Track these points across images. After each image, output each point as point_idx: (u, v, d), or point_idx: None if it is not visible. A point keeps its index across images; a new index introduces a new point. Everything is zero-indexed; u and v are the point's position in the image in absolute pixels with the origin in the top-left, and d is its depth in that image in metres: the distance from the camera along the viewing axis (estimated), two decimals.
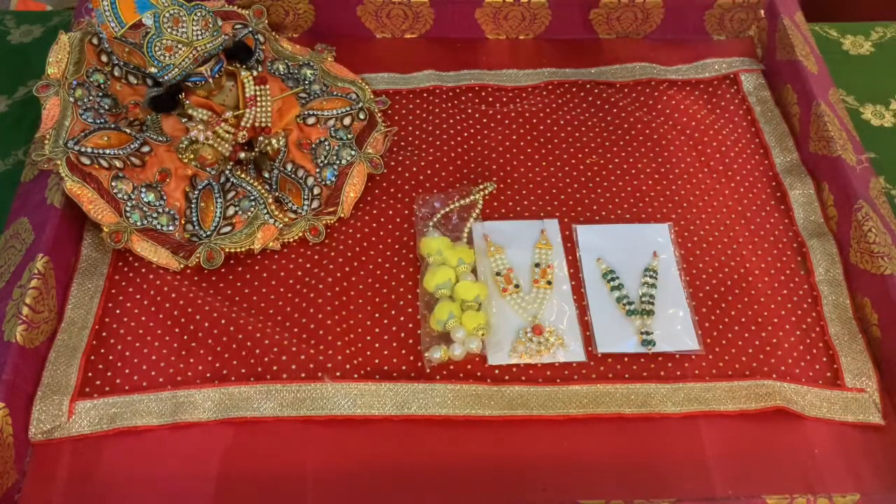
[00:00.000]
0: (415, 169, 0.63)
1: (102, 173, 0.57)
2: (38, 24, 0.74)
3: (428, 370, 0.53)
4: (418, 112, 0.67)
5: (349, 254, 0.59)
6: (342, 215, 0.60)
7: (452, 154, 0.64)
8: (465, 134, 0.65)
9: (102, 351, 0.53)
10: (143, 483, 0.48)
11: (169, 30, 0.57)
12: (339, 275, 0.57)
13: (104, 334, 0.54)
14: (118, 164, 0.57)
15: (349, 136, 0.62)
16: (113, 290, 0.56)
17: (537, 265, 0.58)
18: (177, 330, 0.54)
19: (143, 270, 0.57)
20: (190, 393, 0.51)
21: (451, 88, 0.68)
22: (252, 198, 0.58)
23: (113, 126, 0.58)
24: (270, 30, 0.67)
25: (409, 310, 0.56)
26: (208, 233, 0.57)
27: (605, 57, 0.72)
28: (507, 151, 0.64)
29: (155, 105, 0.58)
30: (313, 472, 0.49)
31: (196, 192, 0.58)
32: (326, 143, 0.62)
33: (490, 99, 0.68)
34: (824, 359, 0.54)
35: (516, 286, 0.57)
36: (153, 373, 0.52)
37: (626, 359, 0.54)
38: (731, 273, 0.58)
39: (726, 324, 0.56)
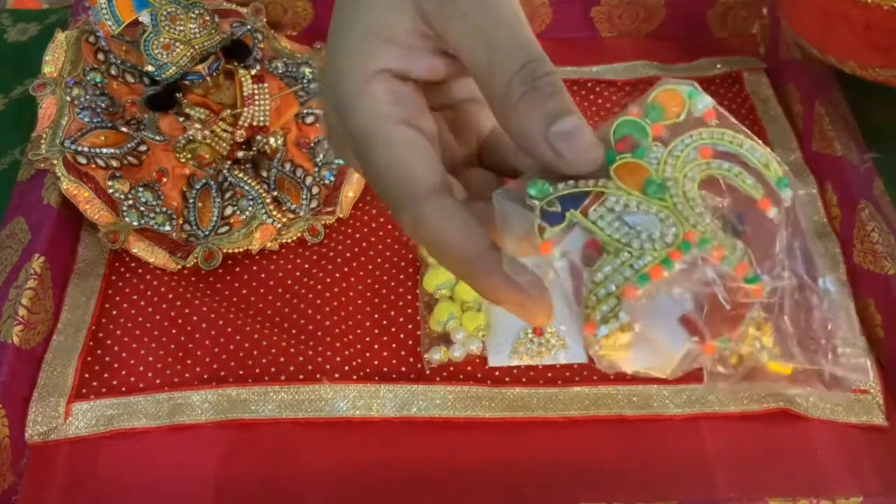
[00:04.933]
0: None
1: (99, 173, 0.56)
2: (34, 22, 0.73)
3: (427, 371, 0.53)
4: None
5: (348, 254, 0.58)
6: (341, 215, 0.59)
7: None
8: None
9: (99, 352, 0.53)
10: (140, 485, 0.48)
11: (166, 28, 0.56)
12: (337, 275, 0.57)
13: (101, 335, 0.54)
14: (115, 163, 0.57)
15: None
16: (110, 291, 0.56)
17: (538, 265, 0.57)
18: (174, 331, 0.54)
19: (140, 271, 0.56)
20: (187, 395, 0.51)
21: None
22: (250, 197, 0.58)
23: (110, 125, 0.58)
24: (269, 28, 0.66)
25: (409, 311, 0.55)
26: (206, 233, 0.57)
27: (607, 55, 0.71)
28: None
29: (152, 104, 0.58)
30: (312, 473, 0.49)
31: (193, 192, 0.58)
32: (325, 142, 0.61)
33: None
34: None
35: None
36: (150, 374, 0.52)
37: None
38: None
39: None
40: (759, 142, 0.27)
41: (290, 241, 0.58)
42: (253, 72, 0.60)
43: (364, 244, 0.59)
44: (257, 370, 0.52)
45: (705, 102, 0.26)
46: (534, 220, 0.25)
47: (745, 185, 0.26)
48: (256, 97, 0.59)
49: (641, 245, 0.24)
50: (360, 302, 0.56)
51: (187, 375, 0.52)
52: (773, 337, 0.25)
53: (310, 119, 0.62)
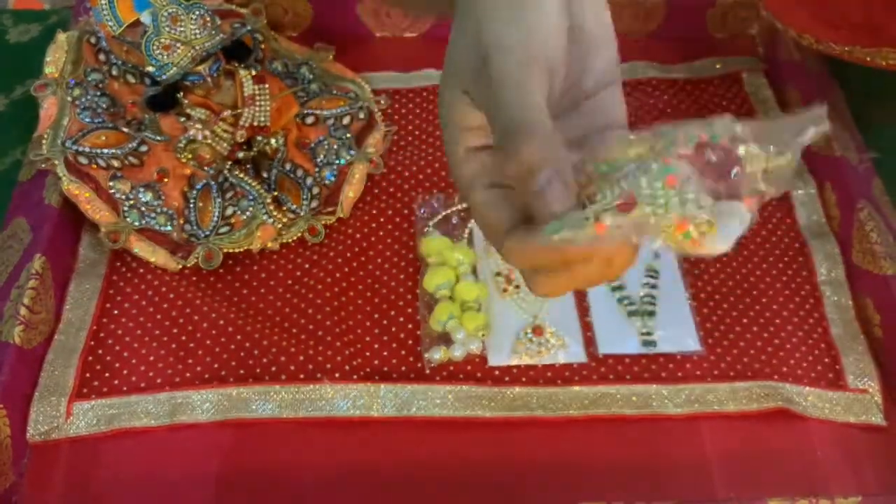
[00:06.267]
0: (415, 169, 0.63)
1: (100, 173, 0.56)
2: (35, 22, 0.74)
3: (427, 371, 0.53)
4: (418, 112, 0.67)
5: (348, 254, 0.58)
6: (341, 215, 0.59)
7: None
8: None
9: (100, 352, 0.53)
10: (141, 484, 0.48)
11: (167, 29, 0.56)
12: (338, 275, 0.57)
13: (102, 335, 0.54)
14: (116, 163, 0.57)
15: (348, 135, 0.62)
16: (111, 291, 0.56)
17: None
18: (175, 331, 0.54)
19: (141, 271, 0.57)
20: (188, 394, 0.51)
21: None
22: (251, 198, 0.58)
23: (111, 125, 0.58)
24: (269, 28, 0.66)
25: (409, 310, 0.55)
26: (206, 233, 0.57)
27: None
28: None
29: (153, 104, 0.58)
30: (312, 473, 0.49)
31: (194, 192, 0.58)
32: (325, 142, 0.61)
33: None
34: (826, 360, 0.54)
35: (517, 286, 0.56)
36: (151, 374, 0.52)
37: (627, 360, 0.54)
38: (733, 273, 0.58)
39: (728, 324, 0.55)
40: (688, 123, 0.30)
41: (290, 240, 0.58)
42: (253, 72, 0.60)
43: (364, 244, 0.59)
44: (258, 370, 0.53)
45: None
46: (571, 228, 0.28)
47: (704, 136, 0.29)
48: (257, 98, 0.59)
49: (649, 163, 0.28)
50: (360, 302, 0.56)
51: (188, 375, 0.52)
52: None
53: (310, 120, 0.62)
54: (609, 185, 0.28)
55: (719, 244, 0.28)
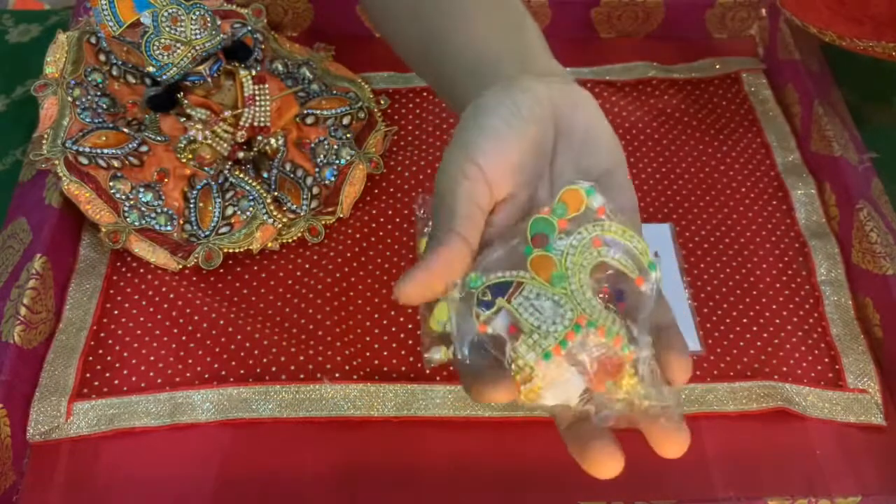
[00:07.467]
0: (415, 169, 0.63)
1: (101, 173, 0.56)
2: (35, 23, 0.74)
3: (427, 371, 0.53)
4: (418, 112, 0.67)
5: (348, 254, 0.58)
6: (341, 215, 0.60)
7: None
8: None
9: (100, 352, 0.53)
10: (141, 484, 0.48)
11: (167, 29, 0.57)
12: (338, 275, 0.57)
13: (102, 335, 0.54)
14: (116, 163, 0.57)
15: (348, 135, 0.62)
16: (111, 291, 0.56)
17: None
18: (175, 331, 0.54)
19: (142, 271, 0.57)
20: (188, 394, 0.51)
21: None
22: (251, 198, 0.58)
23: (111, 125, 0.58)
24: (269, 29, 0.66)
25: (409, 310, 0.55)
26: (207, 233, 0.57)
27: (606, 56, 0.71)
28: None
29: (153, 104, 0.58)
30: (312, 473, 0.49)
31: (194, 192, 0.58)
32: (325, 142, 0.61)
33: None
34: (826, 360, 0.54)
35: None
36: (151, 374, 0.52)
37: None
38: (733, 273, 0.58)
39: (728, 324, 0.55)
40: (637, 235, 0.35)
41: (290, 240, 0.58)
42: (254, 72, 0.60)
43: (364, 244, 0.59)
44: (258, 370, 0.53)
45: (599, 201, 0.35)
46: (472, 309, 0.34)
47: (625, 267, 0.35)
48: (257, 98, 0.59)
49: (547, 328, 0.33)
50: (360, 302, 0.56)
51: (188, 375, 0.52)
52: (639, 381, 0.34)
53: (310, 120, 0.62)
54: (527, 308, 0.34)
55: (543, 402, 0.34)
